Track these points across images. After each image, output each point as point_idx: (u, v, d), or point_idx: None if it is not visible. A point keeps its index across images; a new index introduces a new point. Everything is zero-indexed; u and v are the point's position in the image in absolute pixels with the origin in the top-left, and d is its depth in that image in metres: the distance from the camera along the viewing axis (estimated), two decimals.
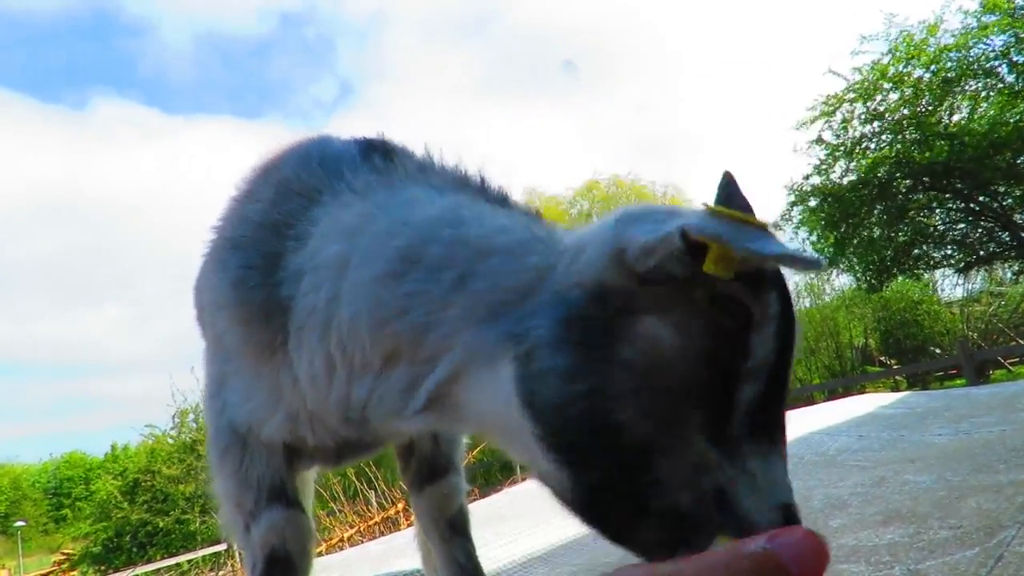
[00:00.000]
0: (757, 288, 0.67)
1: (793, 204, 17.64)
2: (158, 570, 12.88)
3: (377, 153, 1.07)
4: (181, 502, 21.67)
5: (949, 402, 3.91)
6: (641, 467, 0.68)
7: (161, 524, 21.18)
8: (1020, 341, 20.21)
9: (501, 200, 0.96)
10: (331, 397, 0.97)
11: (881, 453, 2.84)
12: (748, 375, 0.68)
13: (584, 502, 0.73)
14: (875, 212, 16.77)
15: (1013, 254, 17.61)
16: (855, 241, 17.24)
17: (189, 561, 13.82)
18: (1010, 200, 16.35)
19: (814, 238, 17.99)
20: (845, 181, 16.64)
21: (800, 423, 3.82)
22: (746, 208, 0.79)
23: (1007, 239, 17.18)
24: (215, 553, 13.65)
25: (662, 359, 0.68)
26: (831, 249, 17.57)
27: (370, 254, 0.90)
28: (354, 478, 9.50)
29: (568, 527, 2.53)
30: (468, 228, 0.86)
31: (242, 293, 1.07)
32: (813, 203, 17.39)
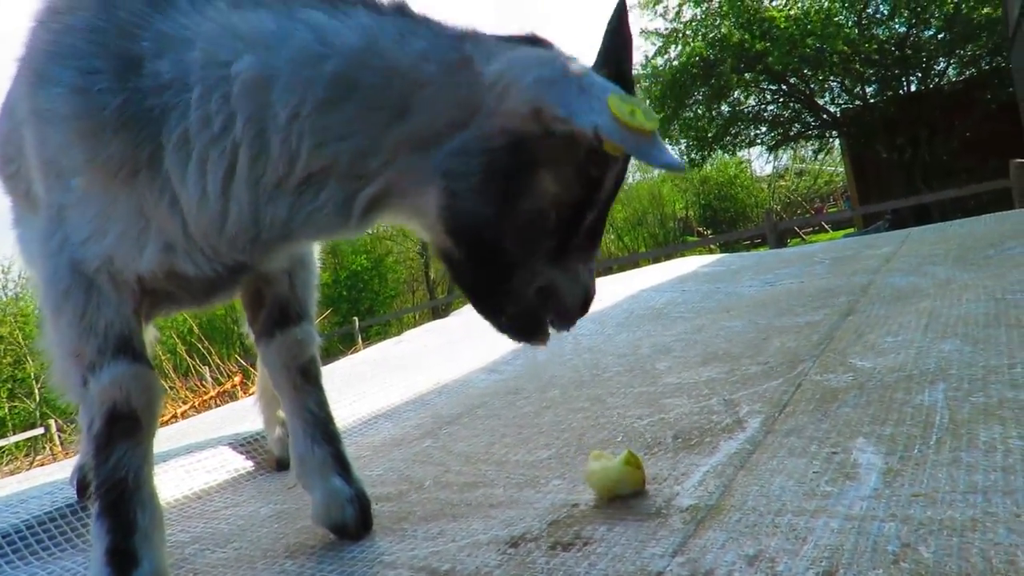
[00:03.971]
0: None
1: None
2: None
3: None
4: None
5: (758, 260, 4.31)
6: (506, 276, 0.99)
7: None
8: (813, 212, 22.68)
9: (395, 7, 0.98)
10: (229, 217, 0.97)
11: (701, 304, 3.10)
12: (594, 204, 0.97)
13: (470, 286, 1.03)
14: (700, 92, 17.73)
15: (815, 133, 19.47)
16: (682, 119, 18.23)
17: (0, 448, 12.83)
18: (815, 85, 17.84)
19: None
20: (676, 63, 17.35)
21: (631, 283, 4.06)
22: (627, 40, 1.02)
23: (811, 120, 18.88)
24: (31, 438, 12.76)
25: (545, 207, 0.95)
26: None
27: (301, 76, 0.91)
28: (185, 355, 9.08)
29: (413, 386, 2.56)
30: (395, 57, 0.92)
31: (87, 101, 0.95)
32: (645, 84, 18.13)
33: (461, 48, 0.93)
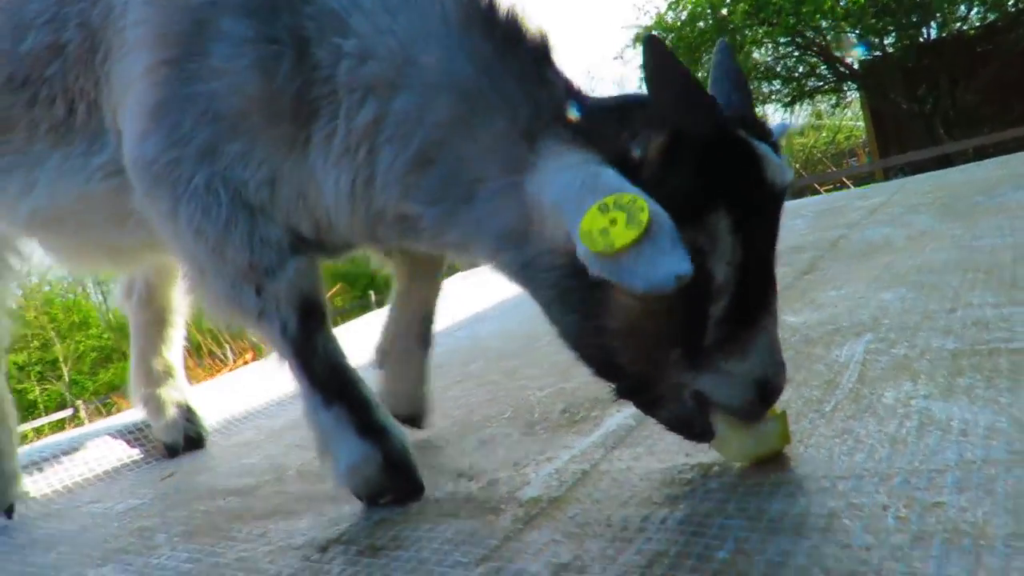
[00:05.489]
0: (699, 220, 0.77)
1: (635, 41, 17.72)
2: None
3: None
4: (13, 371, 20.26)
5: None
6: (642, 388, 0.89)
7: None
8: (834, 168, 22.15)
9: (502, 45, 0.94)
10: (356, 216, 1.01)
11: None
12: (716, 293, 0.80)
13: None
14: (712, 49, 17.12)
15: (831, 87, 18.78)
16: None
17: (35, 429, 13.08)
18: (831, 36, 17.14)
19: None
20: (684, 16, 16.77)
21: None
22: (740, 79, 1.05)
23: (827, 73, 18.19)
24: (60, 420, 12.98)
25: (636, 320, 0.82)
26: None
27: (402, 132, 0.94)
28: (197, 332, 9.07)
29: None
30: (469, 142, 0.93)
31: (271, 83, 0.95)
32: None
33: (520, 151, 0.89)
